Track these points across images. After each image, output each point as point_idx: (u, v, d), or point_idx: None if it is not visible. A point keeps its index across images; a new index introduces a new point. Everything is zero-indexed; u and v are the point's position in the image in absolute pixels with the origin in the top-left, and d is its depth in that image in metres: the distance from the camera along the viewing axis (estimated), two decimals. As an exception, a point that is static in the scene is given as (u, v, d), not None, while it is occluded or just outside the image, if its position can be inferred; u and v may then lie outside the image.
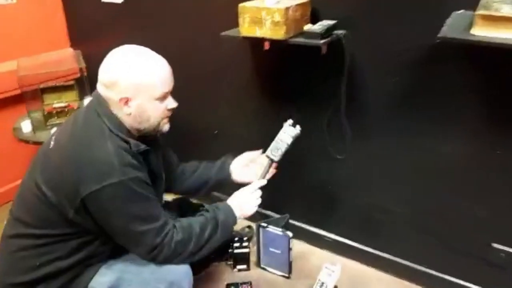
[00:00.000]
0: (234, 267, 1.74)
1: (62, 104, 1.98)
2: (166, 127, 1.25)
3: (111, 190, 1.07)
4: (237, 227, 1.90)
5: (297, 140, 1.40)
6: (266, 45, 1.49)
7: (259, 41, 1.44)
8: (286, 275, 1.70)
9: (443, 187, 1.47)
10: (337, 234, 1.80)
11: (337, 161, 1.62)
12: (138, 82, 1.12)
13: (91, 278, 1.18)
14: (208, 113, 1.95)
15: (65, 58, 2.16)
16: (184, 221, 1.27)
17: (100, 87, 1.15)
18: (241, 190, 1.43)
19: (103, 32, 2.15)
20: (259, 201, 1.42)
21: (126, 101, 1.13)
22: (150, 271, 1.19)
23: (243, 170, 1.52)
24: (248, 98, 1.80)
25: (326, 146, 1.62)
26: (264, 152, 1.47)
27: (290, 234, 1.61)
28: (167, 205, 1.63)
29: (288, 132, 1.40)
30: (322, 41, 1.32)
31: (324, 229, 1.83)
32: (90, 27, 2.21)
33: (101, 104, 1.15)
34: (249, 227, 1.94)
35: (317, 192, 1.78)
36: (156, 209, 1.19)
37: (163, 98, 1.18)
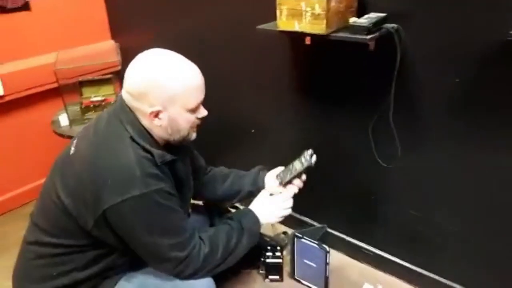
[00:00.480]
0: (266, 277, 1.63)
1: (99, 98, 1.95)
2: (193, 135, 1.17)
3: (134, 203, 0.99)
4: (272, 233, 1.80)
5: (311, 168, 1.32)
6: (308, 40, 1.36)
7: (298, 35, 1.31)
8: (322, 290, 1.57)
9: (509, 206, 1.27)
10: (378, 248, 1.64)
11: (383, 170, 1.45)
12: (171, 94, 1.03)
13: None
14: (245, 111, 1.84)
15: (105, 51, 2.14)
16: (210, 231, 1.20)
17: (126, 95, 1.07)
18: (273, 197, 1.34)
19: (142, 24, 2.10)
20: (288, 212, 1.33)
21: (157, 114, 1.05)
22: (171, 285, 1.12)
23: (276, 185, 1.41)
24: (287, 97, 1.67)
25: (372, 152, 1.46)
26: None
27: (327, 248, 1.47)
28: (195, 209, 1.56)
29: (302, 161, 1.33)
30: (369, 37, 1.16)
31: (364, 241, 1.67)
32: (129, 19, 2.17)
33: (125, 111, 1.07)
34: (284, 233, 1.82)
35: (359, 201, 1.63)
36: (183, 221, 1.12)
37: (195, 109, 1.10)
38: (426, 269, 1.53)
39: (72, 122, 1.92)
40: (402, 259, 1.58)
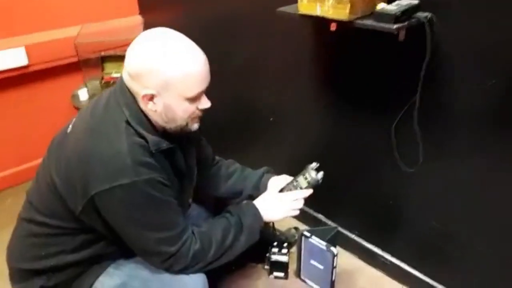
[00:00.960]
0: (271, 273, 1.56)
1: (120, 75, 1.92)
2: (195, 126, 1.09)
3: (122, 192, 0.94)
4: (282, 227, 1.72)
5: (318, 186, 1.22)
6: (333, 26, 1.24)
7: (321, 20, 1.20)
8: (327, 293, 1.48)
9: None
10: (393, 255, 1.52)
11: (404, 174, 1.32)
12: (165, 79, 0.95)
13: (97, 277, 1.09)
14: (264, 98, 1.75)
15: (130, 27, 2.10)
16: (204, 226, 1.13)
17: (125, 75, 1.01)
18: (283, 194, 1.25)
19: (171, 2, 2.03)
20: (296, 213, 1.24)
21: (151, 97, 0.98)
22: (160, 280, 1.07)
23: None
24: (308, 86, 1.56)
25: (393, 154, 1.34)
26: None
27: (335, 251, 1.38)
28: (200, 200, 1.50)
29: (307, 177, 1.22)
30: (395, 26, 1.03)
31: (378, 246, 1.56)
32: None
33: (123, 92, 1.01)
34: (295, 228, 1.74)
35: (376, 204, 1.51)
36: (174, 214, 1.05)
37: (195, 99, 1.01)
38: (443, 284, 1.40)
39: (91, 97, 1.91)
40: (419, 271, 1.45)
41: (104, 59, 1.95)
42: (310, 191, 1.24)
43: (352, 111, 1.44)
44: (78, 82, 2.02)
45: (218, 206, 1.51)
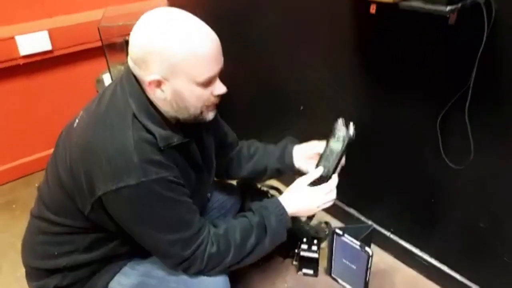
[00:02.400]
0: (300, 269, 1.49)
1: (144, 59, 1.86)
2: (210, 115, 0.98)
3: (129, 193, 0.86)
4: (313, 221, 1.64)
5: (352, 142, 1.08)
6: (372, 9, 1.14)
7: (362, 2, 1.08)
8: (360, 294, 1.40)
9: None
10: (432, 256, 1.42)
11: (450, 170, 1.20)
12: (172, 62, 0.85)
13: (113, 277, 1.04)
14: (294, 85, 1.64)
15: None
16: (223, 227, 1.02)
17: (130, 61, 0.91)
18: (314, 189, 1.11)
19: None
20: (329, 204, 1.12)
21: (158, 84, 0.88)
22: (178, 279, 1.01)
23: (307, 161, 1.22)
24: (343, 72, 1.44)
25: (438, 148, 1.22)
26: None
27: (370, 251, 1.29)
28: (227, 187, 1.43)
29: (340, 137, 1.09)
30: (448, 8, 0.91)
31: (416, 246, 1.46)
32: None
33: (130, 80, 0.92)
34: (326, 223, 1.65)
35: (416, 201, 1.40)
36: (188, 214, 0.97)
37: (208, 83, 0.91)
38: (487, 289, 1.30)
39: (115, 82, 1.85)
40: (460, 274, 1.35)
41: (128, 43, 1.87)
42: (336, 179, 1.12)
43: (393, 100, 1.32)
44: (103, 67, 1.97)
45: (243, 194, 1.45)
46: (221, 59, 0.92)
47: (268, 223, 1.04)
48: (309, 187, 1.12)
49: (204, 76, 0.89)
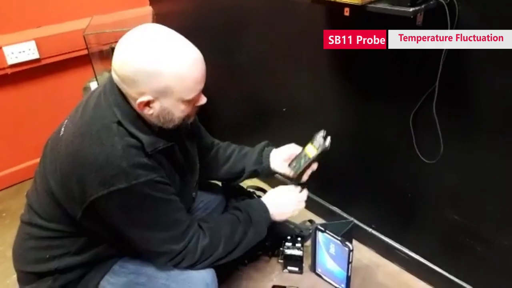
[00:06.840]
0: (285, 267, 1.53)
1: (130, 67, 1.89)
2: (191, 119, 1.06)
3: (120, 196, 0.91)
4: (298, 219, 1.68)
5: (326, 152, 1.21)
6: (346, 11, 1.18)
7: (334, 5, 1.13)
8: (343, 289, 1.44)
9: None
10: (412, 250, 1.46)
11: (423, 166, 1.25)
12: (164, 86, 0.91)
13: (103, 276, 1.07)
14: (276, 88, 1.69)
15: (140, 17, 2.06)
16: (212, 222, 1.11)
17: (114, 75, 0.94)
18: (287, 188, 1.27)
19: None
20: (302, 205, 1.27)
21: (147, 103, 0.93)
22: (167, 276, 1.05)
23: (283, 163, 1.31)
24: (321, 75, 1.50)
25: (412, 145, 1.27)
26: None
27: (350, 246, 1.33)
28: (212, 188, 1.47)
29: (316, 145, 1.21)
30: (412, 9, 0.97)
31: (397, 241, 1.50)
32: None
33: (114, 91, 0.96)
34: (310, 221, 1.69)
35: (394, 197, 1.45)
36: (177, 212, 1.02)
37: (194, 99, 0.98)
38: (466, 282, 1.33)
39: (102, 90, 1.89)
40: (439, 266, 1.39)
41: (114, 51, 1.92)
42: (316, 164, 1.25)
43: (368, 100, 1.38)
44: (90, 75, 2.01)
45: (227, 191, 1.49)
46: (204, 76, 0.97)
47: (253, 218, 1.13)
48: (287, 195, 1.27)
49: (191, 95, 0.96)
